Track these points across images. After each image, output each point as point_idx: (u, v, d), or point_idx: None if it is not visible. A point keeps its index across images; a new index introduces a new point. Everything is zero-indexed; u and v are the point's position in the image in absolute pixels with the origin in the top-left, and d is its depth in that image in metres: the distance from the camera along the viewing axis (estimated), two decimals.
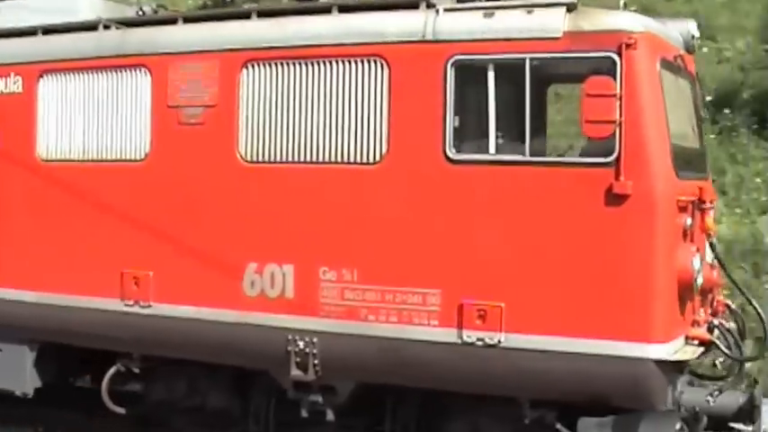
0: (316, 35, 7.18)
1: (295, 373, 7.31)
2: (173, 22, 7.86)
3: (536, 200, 6.52)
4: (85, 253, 8.02)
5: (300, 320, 7.24)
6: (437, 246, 6.80)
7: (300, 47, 7.21)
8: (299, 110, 7.22)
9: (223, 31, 7.58)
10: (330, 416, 7.49)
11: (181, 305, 7.64)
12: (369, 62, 6.99)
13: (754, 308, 6.84)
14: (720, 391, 6.90)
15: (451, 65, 6.71)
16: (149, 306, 7.75)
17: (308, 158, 7.22)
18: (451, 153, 6.74)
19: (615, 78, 6.28)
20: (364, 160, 7.04)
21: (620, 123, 6.26)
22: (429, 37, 6.81)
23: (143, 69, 7.77)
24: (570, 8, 6.49)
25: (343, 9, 7.24)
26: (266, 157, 7.35)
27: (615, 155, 6.30)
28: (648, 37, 6.38)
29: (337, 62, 7.09)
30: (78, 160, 8.08)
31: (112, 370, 8.28)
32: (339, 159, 7.12)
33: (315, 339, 7.18)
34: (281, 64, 7.28)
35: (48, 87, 8.25)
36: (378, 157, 6.99)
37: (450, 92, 6.72)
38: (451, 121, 6.73)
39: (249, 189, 7.41)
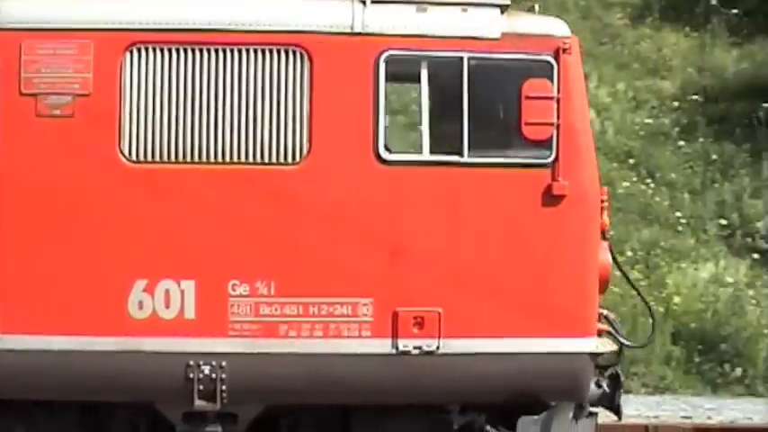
0: (222, 18, 6.38)
1: (199, 403, 6.40)
2: None
3: (473, 201, 6.44)
4: None
5: (205, 342, 6.37)
6: (368, 252, 6.40)
7: (202, 31, 6.35)
8: (200, 103, 6.34)
9: (99, 4, 6.40)
10: None
11: (39, 335, 6.30)
12: (287, 53, 6.37)
13: (645, 302, 7.41)
14: (605, 378, 7.33)
15: (384, 60, 6.37)
16: None
17: (213, 158, 6.37)
18: (384, 153, 6.40)
19: (552, 81, 6.42)
20: (281, 161, 6.40)
21: (558, 126, 6.43)
22: (358, 29, 6.40)
23: None
24: (503, 9, 6.51)
25: None
26: (158, 157, 6.35)
27: (553, 156, 6.46)
28: (576, 42, 6.61)
29: (248, 51, 6.36)
30: None
31: None
32: (251, 160, 6.38)
33: (223, 363, 6.36)
34: (177, 49, 6.34)
35: None
36: (298, 158, 6.39)
37: (382, 89, 6.37)
38: (384, 120, 6.39)
39: (135, 193, 6.35)
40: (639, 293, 7.54)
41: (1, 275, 6.24)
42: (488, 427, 6.74)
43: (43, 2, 6.40)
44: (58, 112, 6.28)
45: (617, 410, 7.37)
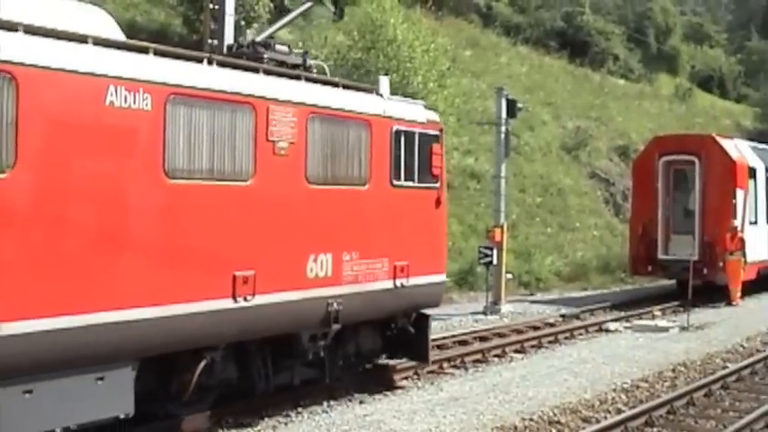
0: (345, 104, 11.01)
1: (334, 326, 10.90)
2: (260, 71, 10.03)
3: (418, 204, 12.33)
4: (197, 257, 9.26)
5: (334, 289, 10.92)
6: (391, 233, 11.77)
7: (337, 110, 10.88)
8: (334, 151, 10.86)
9: (299, 89, 10.33)
10: (322, 353, 11.21)
11: (276, 293, 10.03)
12: (363, 125, 11.32)
13: None
14: None
15: (395, 131, 11.81)
16: (254, 298, 9.77)
17: (341, 182, 10.96)
18: (394, 181, 11.84)
19: (440, 145, 12.72)
20: (361, 184, 11.32)
21: (440, 168, 12.76)
22: (385, 114, 11.69)
23: (248, 107, 9.69)
24: (425, 107, 12.56)
25: (345, 86, 11.26)
26: (320, 181, 10.64)
27: (438, 184, 12.75)
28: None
29: (353, 123, 11.13)
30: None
31: (203, 363, 9.50)
32: (352, 183, 11.18)
33: (341, 300, 10.99)
34: (328, 119, 10.74)
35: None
36: (365, 183, 11.39)
37: (393, 145, 11.80)
38: (394, 163, 11.82)
39: (312, 203, 10.53)
40: None
41: (255, 258, 9.78)
42: (409, 327, 12.68)
43: (274, 83, 10.11)
44: (283, 152, 10.11)
45: None
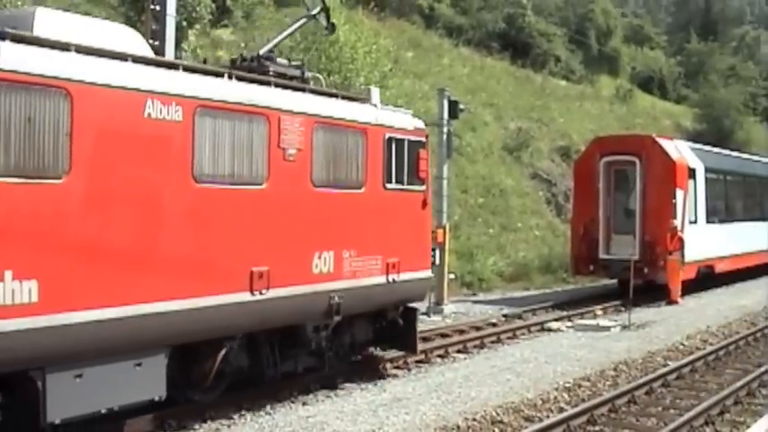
0: (344, 114, 11.96)
1: (335, 317, 11.84)
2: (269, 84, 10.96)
3: (406, 204, 13.33)
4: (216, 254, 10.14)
5: (335, 284, 11.86)
6: (384, 232, 12.74)
7: (337, 119, 11.83)
8: (335, 157, 11.79)
9: (304, 100, 11.24)
10: (324, 343, 12.14)
11: (287, 287, 10.95)
12: (359, 133, 12.29)
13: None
14: None
15: (387, 138, 12.80)
16: (268, 291, 10.67)
17: (341, 185, 11.91)
18: (386, 184, 12.81)
19: (426, 151, 13.73)
20: (358, 187, 12.28)
21: (426, 171, 13.78)
22: (378, 122, 12.67)
23: (263, 118, 10.59)
24: (413, 116, 13.56)
25: (343, 97, 12.20)
26: (322, 185, 11.57)
27: (424, 187, 13.78)
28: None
29: (351, 131, 12.08)
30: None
31: (223, 351, 10.36)
32: (351, 186, 12.12)
33: (341, 294, 11.93)
34: (329, 128, 11.68)
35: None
36: (362, 186, 12.36)
37: (386, 151, 12.79)
38: (386, 168, 12.80)
39: (316, 205, 11.45)
40: None
41: (269, 254, 10.68)
42: (399, 319, 13.67)
43: (284, 95, 11.00)
44: (291, 158, 11.03)
45: None
